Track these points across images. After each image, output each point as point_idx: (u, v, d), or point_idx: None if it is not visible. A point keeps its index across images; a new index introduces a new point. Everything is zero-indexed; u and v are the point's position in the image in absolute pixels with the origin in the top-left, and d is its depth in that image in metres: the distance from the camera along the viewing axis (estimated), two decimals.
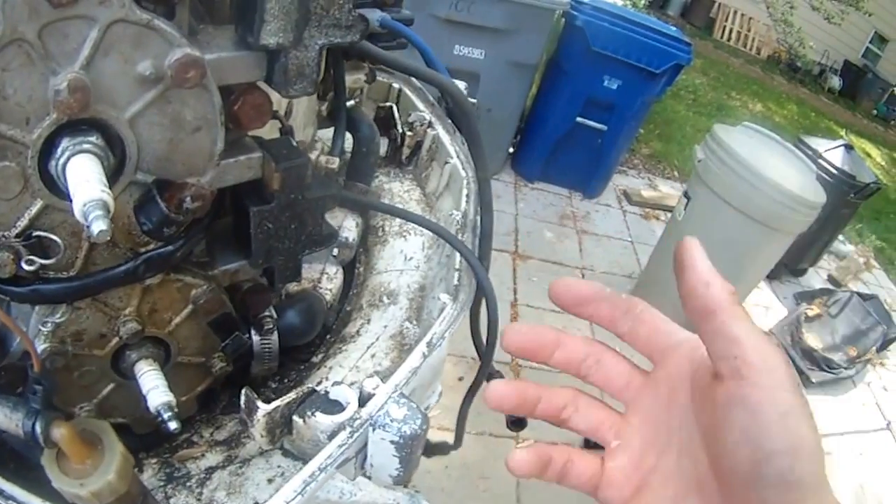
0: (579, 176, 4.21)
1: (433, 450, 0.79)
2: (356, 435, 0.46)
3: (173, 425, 0.54)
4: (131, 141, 0.45)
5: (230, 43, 0.46)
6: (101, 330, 0.56)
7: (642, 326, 0.40)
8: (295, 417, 0.54)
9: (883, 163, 8.52)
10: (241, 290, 0.63)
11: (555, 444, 0.42)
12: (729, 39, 11.70)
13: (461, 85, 1.16)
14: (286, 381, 0.79)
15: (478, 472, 2.25)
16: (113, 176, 0.46)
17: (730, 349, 0.32)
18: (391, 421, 0.45)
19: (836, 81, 11.90)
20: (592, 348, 0.42)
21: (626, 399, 0.41)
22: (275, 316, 0.67)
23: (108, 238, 0.36)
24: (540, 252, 3.62)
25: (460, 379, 2.39)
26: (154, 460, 0.64)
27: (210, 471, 0.63)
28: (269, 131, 0.58)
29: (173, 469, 0.63)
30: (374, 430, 0.46)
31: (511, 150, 4.29)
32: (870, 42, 12.86)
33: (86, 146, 0.42)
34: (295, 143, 0.54)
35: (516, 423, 0.75)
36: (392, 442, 0.45)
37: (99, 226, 0.35)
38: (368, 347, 0.75)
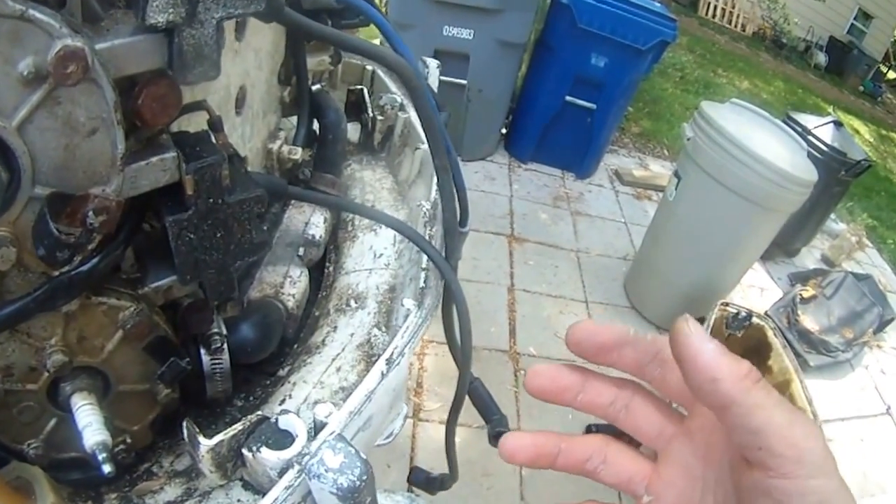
0: (571, 156, 4.17)
1: (434, 486, 0.73)
2: (300, 479, 0.40)
3: (107, 469, 0.49)
4: (23, 151, 0.39)
5: (130, 28, 0.39)
6: (30, 363, 0.51)
7: (672, 372, 0.36)
8: (244, 451, 0.49)
9: (871, 139, 8.49)
10: (181, 307, 0.57)
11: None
12: (714, 16, 11.59)
13: (432, 63, 1.09)
14: (252, 398, 0.73)
15: (481, 468, 2.20)
16: (10, 193, 0.40)
17: (753, 441, 0.30)
18: (326, 471, 0.39)
19: (821, 58, 11.83)
20: (621, 391, 0.39)
21: (659, 448, 0.38)
22: (224, 332, 0.61)
23: None
24: (536, 234, 3.57)
25: None
26: (114, 495, 0.60)
27: None
28: (198, 124, 0.51)
29: None
30: (310, 479, 0.40)
31: (503, 130, 4.23)
32: (854, 18, 12.80)
33: None
34: (215, 139, 0.47)
35: (497, 437, 0.70)
36: (332, 493, 0.39)
37: None
38: (334, 359, 0.69)
